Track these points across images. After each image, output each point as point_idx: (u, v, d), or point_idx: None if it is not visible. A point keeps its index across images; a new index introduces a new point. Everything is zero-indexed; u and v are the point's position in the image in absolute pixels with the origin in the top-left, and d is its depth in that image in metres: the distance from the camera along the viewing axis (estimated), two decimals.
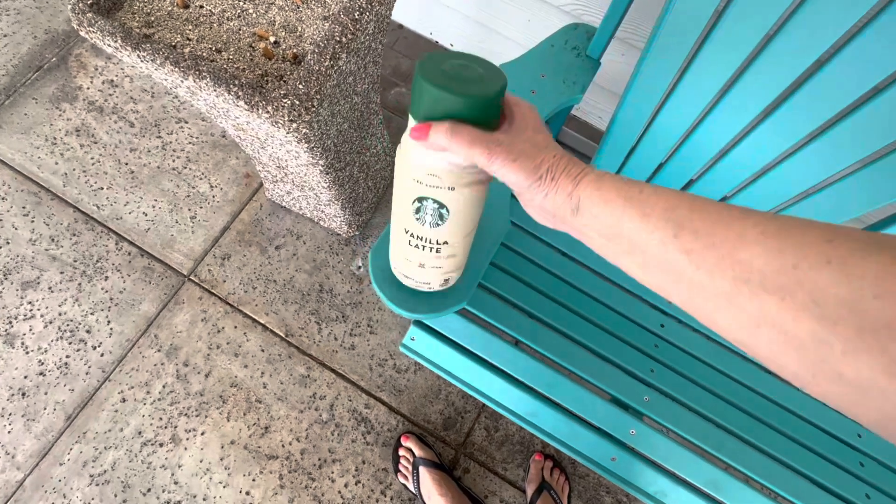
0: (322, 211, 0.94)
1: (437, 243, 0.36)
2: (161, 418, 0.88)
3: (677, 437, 0.60)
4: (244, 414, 0.89)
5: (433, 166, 0.31)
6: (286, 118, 0.49)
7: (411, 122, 0.30)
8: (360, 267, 1.00)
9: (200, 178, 1.04)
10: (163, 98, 1.10)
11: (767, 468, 0.60)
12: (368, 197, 0.98)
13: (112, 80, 1.10)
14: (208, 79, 0.48)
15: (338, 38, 0.51)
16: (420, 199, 0.33)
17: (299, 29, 0.56)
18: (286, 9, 0.57)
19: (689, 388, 0.63)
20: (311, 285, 0.98)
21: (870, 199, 0.52)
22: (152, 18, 0.53)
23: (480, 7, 1.00)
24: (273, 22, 0.56)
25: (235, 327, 0.94)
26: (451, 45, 1.17)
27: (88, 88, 1.09)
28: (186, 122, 1.08)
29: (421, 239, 0.36)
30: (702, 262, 0.20)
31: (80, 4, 0.49)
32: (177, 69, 0.48)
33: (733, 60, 0.47)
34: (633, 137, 0.61)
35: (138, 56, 0.49)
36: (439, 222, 0.34)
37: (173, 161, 1.05)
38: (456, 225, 0.35)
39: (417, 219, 0.35)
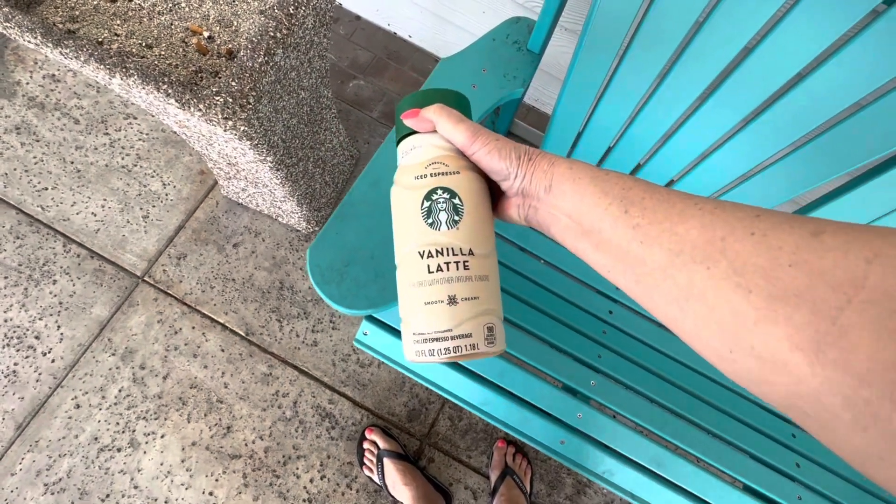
0: (279, 207, 0.93)
1: (462, 253, 0.28)
2: (118, 423, 0.86)
3: (623, 419, 0.63)
4: (205, 415, 0.88)
5: (434, 155, 0.28)
6: (220, 116, 0.48)
7: (410, 142, 0.30)
8: None
9: (152, 176, 1.01)
10: (109, 93, 1.05)
11: (707, 444, 0.63)
12: (327, 192, 0.97)
13: (54, 75, 1.05)
14: (136, 76, 0.47)
15: (272, 34, 0.50)
16: (429, 197, 0.28)
17: (235, 23, 0.55)
18: (221, 2, 0.56)
19: (635, 371, 0.66)
20: (271, 283, 0.97)
21: (792, 186, 0.55)
22: (77, 13, 0.51)
23: (433, 1, 1.00)
24: (207, 16, 0.55)
25: (193, 328, 0.93)
26: (409, 37, 1.17)
27: (28, 84, 1.04)
28: (135, 118, 1.04)
29: (441, 253, 0.27)
30: (645, 236, 0.21)
31: None
32: (102, 66, 0.46)
33: (661, 55, 0.49)
34: (576, 127, 0.62)
35: (61, 53, 0.47)
36: (456, 218, 0.28)
37: (122, 159, 1.01)
38: (475, 221, 0.28)
39: (430, 224, 0.28)
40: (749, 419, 0.66)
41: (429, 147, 0.28)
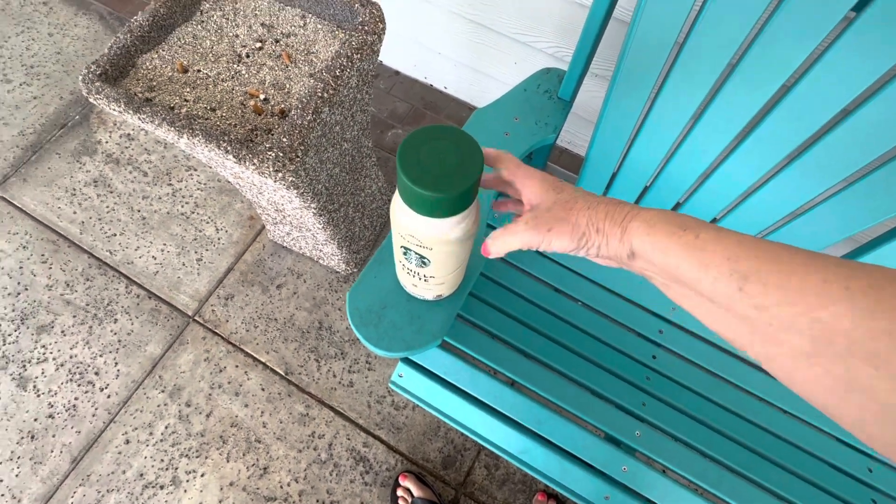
0: (320, 250, 0.97)
1: (425, 277, 0.41)
2: (162, 460, 0.89)
3: (673, 475, 0.59)
4: (243, 454, 0.89)
5: (415, 230, 0.33)
6: (271, 168, 0.52)
7: (397, 196, 0.33)
8: None
9: (207, 222, 1.09)
10: (174, 148, 1.17)
11: None
12: (365, 235, 1.01)
13: (129, 134, 1.18)
14: (200, 136, 0.52)
15: (320, 94, 0.55)
16: (404, 249, 0.37)
17: (287, 86, 0.61)
18: (276, 68, 0.62)
19: (683, 420, 0.62)
20: (310, 323, 1.00)
21: (846, 225, 0.52)
22: (154, 83, 0.58)
23: (471, 53, 1.06)
24: (264, 81, 0.61)
25: (237, 366, 0.96)
26: (445, 88, 1.23)
27: (107, 142, 1.17)
28: (195, 170, 1.14)
29: (410, 272, 0.41)
30: (775, 318, 0.18)
31: (90, 74, 0.55)
32: (172, 129, 0.52)
33: (697, 92, 0.49)
34: (610, 168, 0.63)
35: (139, 118, 0.53)
36: (423, 265, 0.38)
37: (182, 207, 1.10)
38: (437, 268, 0.39)
39: (406, 258, 0.39)
40: (820, 480, 0.60)
41: (412, 217, 0.33)
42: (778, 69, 0.45)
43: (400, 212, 0.34)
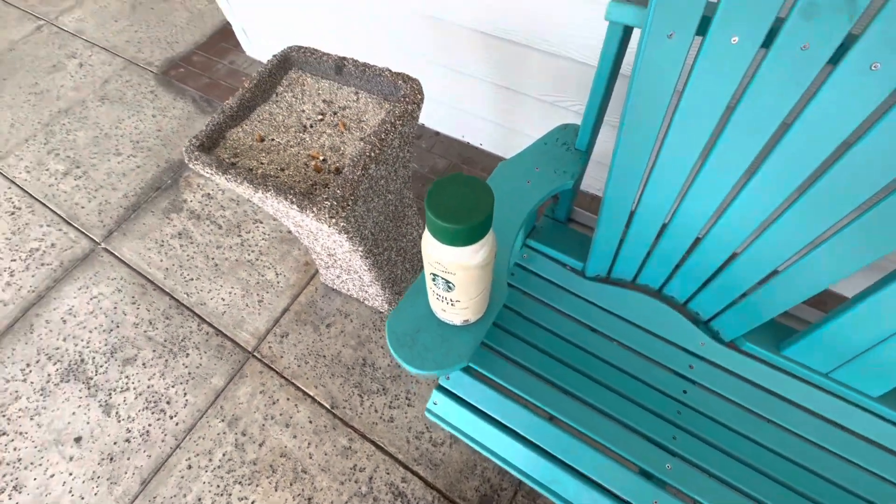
0: (366, 291, 1.06)
1: (451, 301, 0.48)
2: (218, 485, 0.96)
3: None
4: (290, 484, 0.94)
5: (440, 258, 0.41)
6: (326, 215, 0.62)
7: (427, 231, 0.41)
8: None
9: (269, 268, 1.22)
10: (245, 205, 1.34)
11: None
12: (406, 277, 1.10)
13: (209, 194, 1.37)
14: (272, 191, 0.64)
15: (368, 154, 0.66)
16: (433, 275, 0.45)
17: (342, 148, 0.73)
18: (333, 135, 0.74)
19: (716, 456, 0.61)
20: (355, 359, 1.07)
21: (868, 250, 0.53)
22: (238, 151, 0.72)
23: (503, 113, 1.17)
24: (323, 145, 0.73)
25: (288, 399, 1.04)
26: (481, 145, 1.35)
27: (191, 201, 1.37)
28: (261, 223, 1.30)
29: (439, 297, 0.48)
30: None
31: (190, 146, 0.69)
32: (251, 186, 0.64)
33: (699, 137, 0.55)
34: (626, 208, 0.68)
35: (225, 178, 0.66)
36: (449, 289, 0.45)
37: (249, 255, 1.25)
38: (462, 292, 0.45)
39: (434, 284, 0.46)
40: None
41: (439, 248, 0.41)
42: (770, 116, 0.51)
43: (428, 244, 0.41)
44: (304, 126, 0.76)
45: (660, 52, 0.50)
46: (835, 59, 0.45)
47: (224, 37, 1.79)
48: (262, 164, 0.71)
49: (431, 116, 1.38)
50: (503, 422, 0.65)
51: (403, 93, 0.72)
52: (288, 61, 0.80)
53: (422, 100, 0.73)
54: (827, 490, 0.59)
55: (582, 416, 0.64)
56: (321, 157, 0.71)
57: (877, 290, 0.54)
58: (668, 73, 0.52)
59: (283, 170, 0.70)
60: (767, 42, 0.46)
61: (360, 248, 0.82)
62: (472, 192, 0.38)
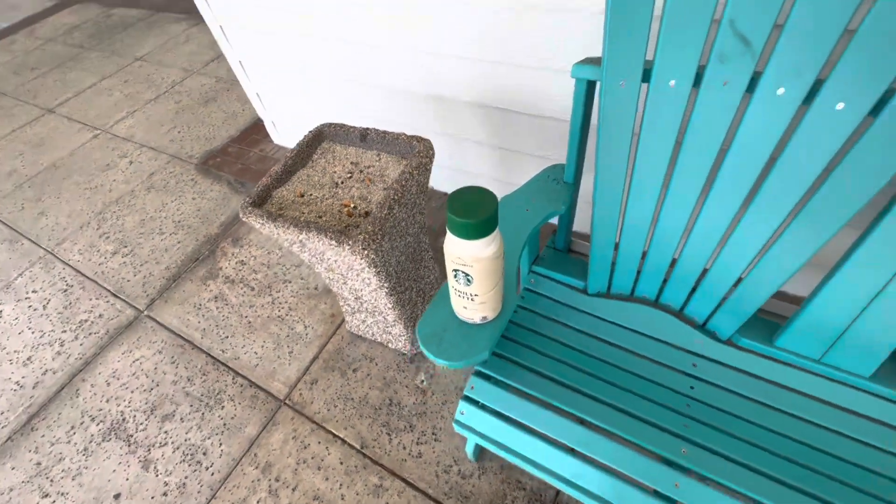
0: (389, 333, 1.15)
1: (471, 296, 0.57)
2: None
3: (726, 490, 0.61)
4: None
5: (460, 253, 0.52)
6: (360, 247, 0.74)
7: (448, 235, 0.53)
8: (423, 381, 1.14)
9: (297, 322, 1.32)
10: (275, 267, 1.48)
11: None
12: None
13: (242, 260, 1.52)
14: (314, 231, 0.76)
15: (392, 197, 0.79)
16: (454, 271, 0.55)
17: (369, 198, 0.87)
18: (361, 188, 0.89)
19: (725, 439, 0.66)
20: (382, 400, 1.12)
21: (811, 243, 0.63)
22: (283, 205, 0.87)
23: (501, 169, 1.34)
24: (353, 196, 0.87)
25: (319, 442, 1.08)
26: None
27: (226, 268, 1.51)
28: (290, 282, 1.43)
29: (460, 293, 0.58)
30: None
31: (245, 203, 0.84)
32: (296, 229, 0.77)
33: (659, 167, 0.68)
34: (613, 231, 0.79)
35: (274, 226, 0.80)
36: (469, 283, 0.55)
37: (279, 311, 1.36)
38: (479, 284, 0.55)
39: (456, 280, 0.56)
40: (865, 486, 0.59)
41: (459, 244, 0.52)
42: (711, 142, 0.63)
43: (450, 243, 0.52)
44: (336, 183, 0.91)
45: (616, 98, 0.65)
46: (750, 89, 0.59)
47: (254, 130, 2.06)
48: (303, 213, 0.84)
49: (440, 179, 1.55)
50: (526, 423, 0.70)
51: (418, 150, 0.88)
52: (321, 135, 0.98)
53: (433, 155, 0.88)
54: (829, 462, 0.63)
55: (599, 412, 0.69)
56: (352, 205, 0.85)
57: (837, 269, 0.63)
58: (626, 114, 0.66)
59: (320, 217, 0.84)
60: (697, 82, 0.61)
61: (386, 285, 0.92)
62: (480, 198, 0.50)
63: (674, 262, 0.78)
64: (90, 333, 1.39)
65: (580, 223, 1.29)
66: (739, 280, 0.72)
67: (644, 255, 0.80)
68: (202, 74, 2.50)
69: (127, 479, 1.08)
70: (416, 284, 1.08)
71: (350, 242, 0.74)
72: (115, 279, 1.54)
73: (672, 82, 0.61)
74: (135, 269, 1.56)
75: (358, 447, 1.06)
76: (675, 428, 0.67)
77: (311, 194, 0.89)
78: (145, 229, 1.69)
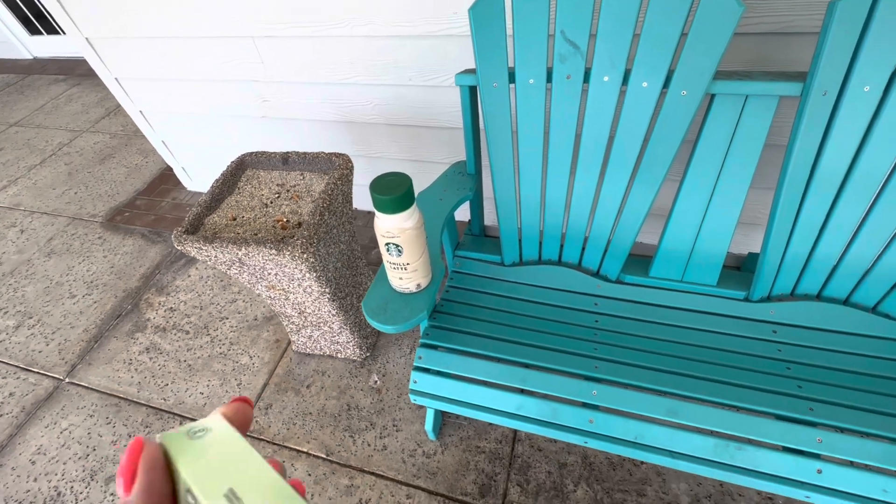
0: (337, 342, 1.21)
1: (404, 265, 0.68)
2: None
3: (634, 388, 0.77)
4: None
5: (389, 227, 0.63)
6: (300, 251, 0.82)
7: (377, 214, 0.63)
8: (376, 381, 1.21)
9: (241, 354, 1.32)
10: (208, 307, 1.46)
11: (709, 389, 0.75)
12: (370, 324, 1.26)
13: (171, 307, 1.48)
14: (253, 245, 0.83)
15: (322, 205, 0.89)
16: (387, 245, 0.66)
17: (299, 212, 0.95)
18: (290, 204, 0.97)
19: (625, 352, 0.82)
20: (340, 407, 1.17)
21: (641, 205, 0.83)
22: (216, 230, 0.92)
23: (421, 179, 1.48)
24: (284, 212, 0.95)
25: (283, 461, 1.09)
26: None
27: (154, 318, 1.46)
28: (227, 318, 1.42)
29: (394, 265, 0.68)
30: None
31: (178, 232, 0.88)
32: (235, 246, 0.83)
33: (536, 151, 0.85)
34: (513, 209, 0.95)
35: (212, 248, 0.85)
36: (399, 253, 0.66)
37: (220, 348, 1.34)
38: (408, 253, 0.66)
39: (389, 254, 0.67)
40: (727, 361, 0.79)
41: (387, 220, 0.63)
42: (567, 125, 0.82)
43: (378, 221, 0.63)
44: (266, 204, 0.98)
45: (492, 97, 0.81)
46: (586, 80, 0.78)
47: (163, 180, 2.01)
48: (238, 233, 0.90)
49: (361, 199, 1.66)
50: (470, 376, 0.82)
51: (338, 164, 0.98)
52: (243, 163, 1.05)
53: (352, 167, 0.99)
54: (697, 351, 0.82)
55: (527, 353, 0.83)
56: (285, 219, 0.93)
57: (672, 211, 0.83)
58: (502, 109, 0.83)
59: (256, 233, 0.90)
60: (549, 78, 0.79)
61: (328, 291, 1.00)
62: (397, 178, 0.62)
63: (564, 228, 0.96)
64: (1, 416, 1.27)
65: (489, 219, 1.46)
66: (612, 232, 0.91)
67: (541, 225, 0.97)
68: (93, 132, 2.39)
69: None
70: (356, 291, 1.16)
71: (289, 248, 0.82)
72: (23, 353, 1.41)
73: (531, 80, 0.79)
74: (46, 338, 1.45)
75: (324, 456, 1.09)
76: (588, 352, 0.82)
77: (242, 216, 0.95)
78: (51, 296, 1.58)
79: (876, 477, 0.65)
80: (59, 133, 2.43)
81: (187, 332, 1.40)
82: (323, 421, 1.15)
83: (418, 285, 0.72)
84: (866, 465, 0.65)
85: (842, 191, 0.74)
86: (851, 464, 0.66)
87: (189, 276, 1.58)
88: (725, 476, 0.70)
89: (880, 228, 0.76)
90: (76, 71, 3.01)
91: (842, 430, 0.69)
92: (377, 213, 0.64)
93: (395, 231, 0.63)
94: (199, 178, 1.86)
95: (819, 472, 0.66)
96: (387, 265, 0.71)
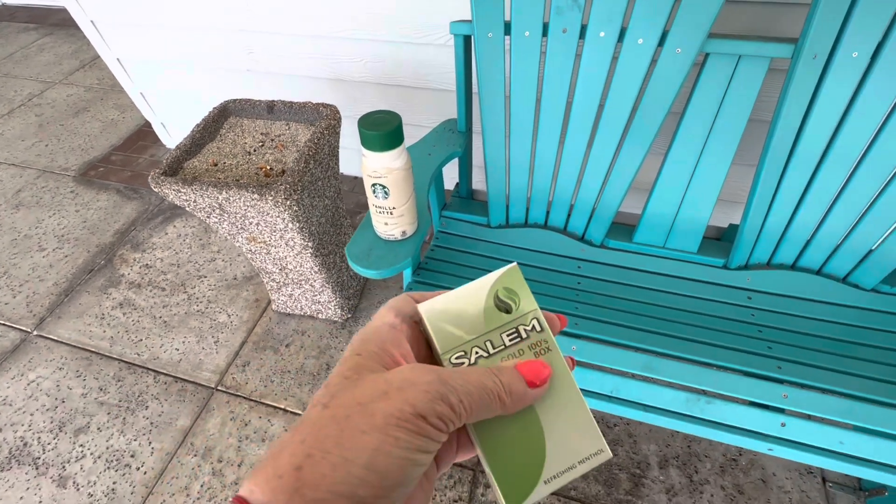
0: (318, 302, 1.19)
1: (390, 209, 0.66)
2: None
3: (606, 343, 0.78)
4: None
5: (376, 167, 0.62)
6: (283, 197, 0.80)
7: (364, 154, 0.61)
8: None
9: (220, 312, 1.30)
10: (186, 265, 1.42)
11: (684, 346, 0.77)
12: (353, 284, 1.25)
13: (147, 264, 1.44)
14: (234, 189, 0.81)
15: (307, 153, 0.86)
16: (373, 186, 0.64)
17: (283, 160, 0.93)
18: (275, 153, 0.94)
19: (605, 312, 0.83)
20: (319, 366, 1.16)
21: (628, 168, 0.84)
22: (196, 174, 0.89)
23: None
24: (268, 160, 0.92)
25: (260, 417, 1.08)
26: None
27: (129, 274, 1.42)
28: (205, 277, 1.39)
29: (380, 209, 0.67)
30: None
31: (156, 174, 0.84)
32: (216, 189, 0.81)
33: (528, 107, 0.84)
34: (502, 169, 0.94)
35: (191, 190, 0.82)
36: (386, 195, 0.64)
37: (197, 306, 1.32)
38: (395, 196, 0.65)
39: (375, 196, 0.65)
40: (703, 323, 0.81)
41: (375, 158, 0.61)
42: (561, 81, 0.81)
43: (366, 160, 0.62)
44: (249, 152, 0.95)
45: (487, 47, 0.80)
46: (582, 35, 0.77)
47: (141, 136, 1.94)
48: (219, 178, 0.87)
49: (350, 164, 1.62)
50: None
51: (325, 115, 0.96)
52: (226, 110, 1.01)
53: (340, 118, 0.97)
54: (677, 314, 0.83)
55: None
56: (268, 167, 0.90)
57: (657, 179, 0.84)
58: (497, 61, 0.81)
59: (238, 179, 0.88)
60: (545, 32, 0.78)
61: (311, 245, 0.98)
62: (386, 116, 0.60)
63: (552, 191, 0.96)
64: None
65: (477, 184, 1.45)
66: (599, 197, 0.91)
67: (529, 189, 0.97)
68: (67, 84, 2.27)
69: (40, 502, 0.98)
70: (339, 249, 1.15)
71: (272, 194, 0.80)
72: None
73: (527, 33, 0.78)
74: (13, 290, 1.39)
75: (300, 412, 1.08)
76: (569, 310, 0.83)
77: (224, 162, 0.92)
78: (19, 249, 1.51)
79: (835, 430, 0.68)
80: (28, 83, 2.30)
81: (163, 290, 1.37)
82: (301, 379, 1.14)
83: (403, 232, 0.72)
84: (826, 420, 0.68)
85: (822, 162, 0.75)
86: (812, 418, 0.69)
87: (166, 233, 1.53)
88: (695, 429, 0.72)
89: (854, 202, 0.78)
90: (49, 20, 2.84)
91: (806, 387, 0.72)
92: (364, 152, 0.62)
93: (383, 171, 0.62)
94: (178, 134, 1.79)
95: (783, 425, 0.69)
96: (372, 210, 0.69)
